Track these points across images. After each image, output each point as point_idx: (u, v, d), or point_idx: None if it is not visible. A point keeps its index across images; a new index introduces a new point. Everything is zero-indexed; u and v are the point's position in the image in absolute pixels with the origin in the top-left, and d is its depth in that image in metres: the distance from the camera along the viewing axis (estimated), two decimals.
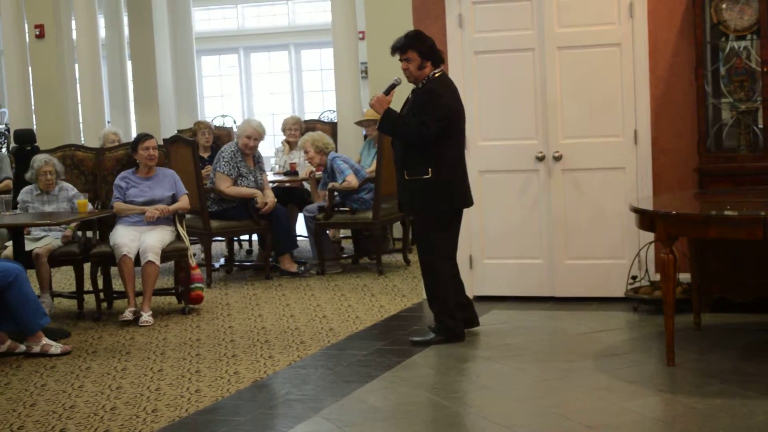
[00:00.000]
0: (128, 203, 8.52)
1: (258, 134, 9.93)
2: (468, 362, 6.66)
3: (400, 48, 6.95)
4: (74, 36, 14.37)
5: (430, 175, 6.86)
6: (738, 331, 6.94)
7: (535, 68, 7.98)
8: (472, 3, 8.08)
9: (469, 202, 7.11)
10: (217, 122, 17.78)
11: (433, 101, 6.84)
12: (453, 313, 7.00)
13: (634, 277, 7.77)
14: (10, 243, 8.41)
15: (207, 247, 9.75)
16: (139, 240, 8.30)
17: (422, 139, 6.80)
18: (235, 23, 22.79)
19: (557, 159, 7.95)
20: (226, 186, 9.70)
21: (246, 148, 9.85)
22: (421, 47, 6.92)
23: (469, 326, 7.17)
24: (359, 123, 11.11)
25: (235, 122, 20.12)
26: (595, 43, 7.84)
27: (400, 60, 6.97)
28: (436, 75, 6.95)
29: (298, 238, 10.75)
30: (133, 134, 13.80)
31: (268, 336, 7.48)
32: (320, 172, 10.20)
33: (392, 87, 7.02)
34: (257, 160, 10.02)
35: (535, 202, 8.06)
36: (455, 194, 6.96)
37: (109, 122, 15.34)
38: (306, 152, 10.17)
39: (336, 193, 9.92)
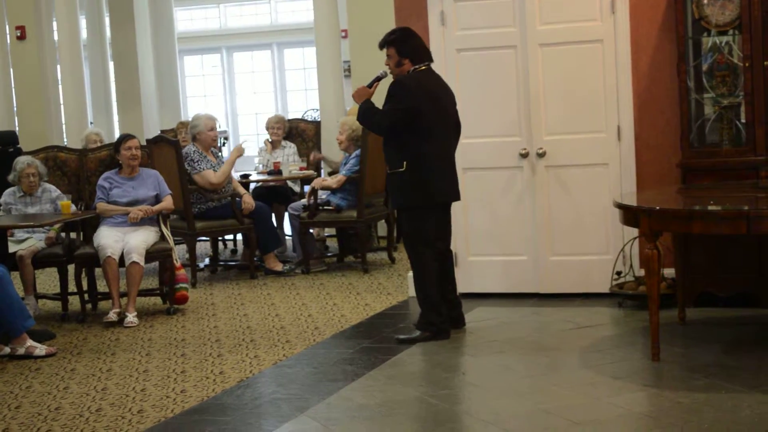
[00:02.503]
0: (112, 204, 8.50)
1: (215, 122, 10.06)
2: (454, 359, 6.66)
3: (381, 45, 7.08)
4: (56, 37, 14.32)
5: (404, 168, 6.90)
6: (722, 326, 6.96)
7: (517, 65, 7.99)
8: (454, 1, 8.08)
9: (446, 197, 7.07)
10: None
11: (396, 92, 6.90)
12: (437, 308, 7.00)
13: (618, 273, 7.78)
14: None
15: (191, 247, 9.74)
16: (123, 241, 8.28)
17: (380, 128, 6.96)
18: (217, 23, 22.77)
19: (541, 156, 7.96)
20: (214, 176, 9.71)
21: (214, 142, 9.94)
22: (399, 45, 6.99)
23: (455, 326, 7.17)
24: None
25: (218, 122, 20.11)
26: (577, 39, 7.86)
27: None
28: (420, 69, 6.99)
29: (286, 237, 10.77)
30: (116, 135, 13.75)
31: (253, 335, 7.47)
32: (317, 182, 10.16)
33: (377, 80, 7.08)
34: (216, 154, 10.03)
35: (519, 199, 8.07)
36: (431, 189, 6.95)
37: (91, 123, 15.30)
38: (340, 132, 10.12)
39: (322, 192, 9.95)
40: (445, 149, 7.06)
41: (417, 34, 7.15)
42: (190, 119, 11.02)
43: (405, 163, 6.90)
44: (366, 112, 7.01)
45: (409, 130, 6.87)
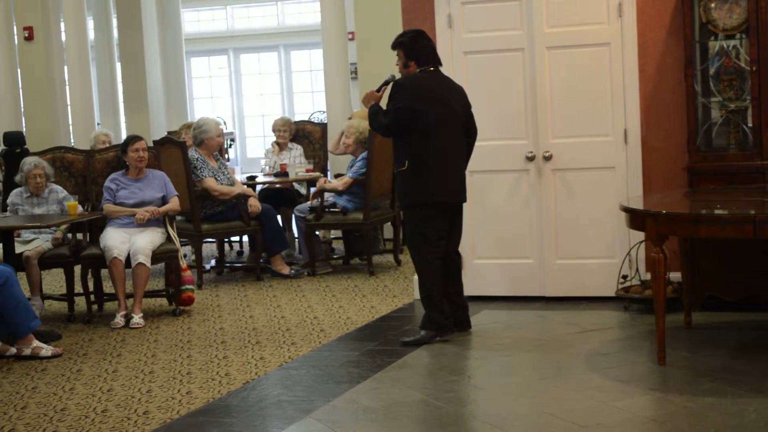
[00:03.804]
0: (118, 205, 8.51)
1: (221, 128, 10.11)
2: (459, 362, 6.66)
3: (392, 46, 7.17)
4: (63, 38, 14.35)
5: (406, 167, 6.97)
6: (728, 330, 6.95)
7: (524, 68, 7.99)
8: (462, 3, 8.09)
9: (446, 197, 7.05)
10: None
11: (395, 93, 7.00)
12: (438, 306, 7.00)
13: (624, 277, 7.78)
14: None
15: (197, 248, 9.74)
16: (129, 242, 8.29)
17: (380, 129, 7.08)
18: (224, 24, 22.79)
19: (547, 159, 7.96)
20: (216, 185, 9.70)
21: (219, 147, 9.96)
22: (406, 48, 7.10)
23: (460, 329, 7.18)
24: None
25: (225, 123, 20.13)
26: (585, 42, 7.85)
27: None
28: (427, 70, 7.07)
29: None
30: (123, 136, 13.78)
31: (259, 337, 7.48)
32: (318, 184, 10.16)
33: (385, 84, 7.19)
34: (216, 158, 10.02)
35: (525, 202, 8.06)
36: (430, 188, 6.97)
37: (98, 124, 15.32)
38: (346, 136, 10.15)
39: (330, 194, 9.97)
40: (449, 149, 7.05)
41: (428, 37, 7.20)
42: (195, 121, 11.00)
43: (407, 162, 6.96)
44: (373, 115, 7.11)
45: (410, 129, 6.93)
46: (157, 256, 8.37)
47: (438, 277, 7.02)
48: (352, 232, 10.40)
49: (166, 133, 12.71)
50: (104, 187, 8.63)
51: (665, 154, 7.74)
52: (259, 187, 10.98)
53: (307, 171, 10.81)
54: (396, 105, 6.93)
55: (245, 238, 11.31)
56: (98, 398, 6.15)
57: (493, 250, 8.19)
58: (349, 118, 10.68)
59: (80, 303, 8.63)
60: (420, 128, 6.92)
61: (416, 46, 7.07)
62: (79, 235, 8.83)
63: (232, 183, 9.95)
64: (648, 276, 7.39)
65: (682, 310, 7.08)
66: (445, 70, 7.46)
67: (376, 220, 10.06)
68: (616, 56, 7.77)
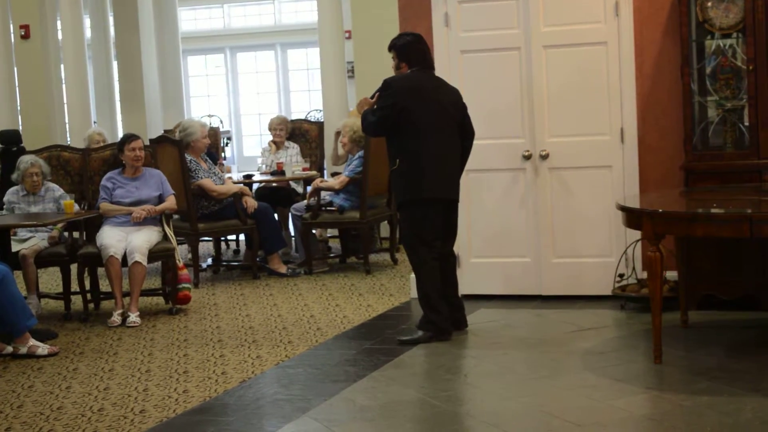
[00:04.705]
0: (115, 204, 8.51)
1: (206, 129, 10.13)
2: (456, 361, 6.66)
3: (388, 47, 7.22)
4: (60, 36, 14.33)
5: (397, 165, 7.01)
6: (725, 329, 6.96)
7: (521, 67, 7.99)
8: (458, 2, 8.09)
9: (434, 193, 7.01)
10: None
11: (382, 92, 7.04)
12: (437, 307, 7.00)
13: (621, 275, 7.78)
14: None
15: (194, 247, 9.74)
16: (125, 240, 8.29)
17: (369, 128, 7.16)
18: (221, 23, 22.76)
19: (544, 158, 7.96)
20: (213, 185, 9.68)
21: (206, 147, 9.97)
22: (399, 49, 7.16)
23: (457, 328, 7.18)
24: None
25: (221, 122, 20.11)
26: (581, 41, 7.86)
27: None
28: (419, 71, 7.08)
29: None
30: (120, 134, 13.76)
31: (255, 336, 7.48)
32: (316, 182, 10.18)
33: (379, 90, 7.15)
34: (205, 159, 9.99)
35: (522, 201, 8.07)
36: (419, 185, 6.97)
37: (95, 122, 15.30)
38: (342, 135, 10.16)
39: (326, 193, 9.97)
40: (440, 147, 7.03)
41: (424, 42, 7.21)
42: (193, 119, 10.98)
43: (398, 160, 6.99)
44: (363, 117, 7.18)
45: (399, 128, 6.97)
46: (153, 255, 8.37)
47: (435, 277, 7.02)
48: (348, 230, 10.41)
49: (162, 132, 12.70)
50: (101, 185, 8.63)
51: (662, 152, 7.74)
52: (255, 186, 10.97)
53: (304, 170, 10.81)
54: (383, 103, 6.97)
55: (242, 236, 11.31)
56: (95, 397, 6.15)
57: (489, 249, 8.19)
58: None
59: (77, 301, 8.63)
60: (409, 126, 6.93)
61: (409, 48, 7.11)
62: (76, 234, 8.84)
63: (223, 182, 9.93)
64: (644, 275, 7.39)
65: (678, 309, 7.08)
66: (442, 69, 7.47)
67: (372, 219, 10.06)
68: (612, 55, 7.78)
